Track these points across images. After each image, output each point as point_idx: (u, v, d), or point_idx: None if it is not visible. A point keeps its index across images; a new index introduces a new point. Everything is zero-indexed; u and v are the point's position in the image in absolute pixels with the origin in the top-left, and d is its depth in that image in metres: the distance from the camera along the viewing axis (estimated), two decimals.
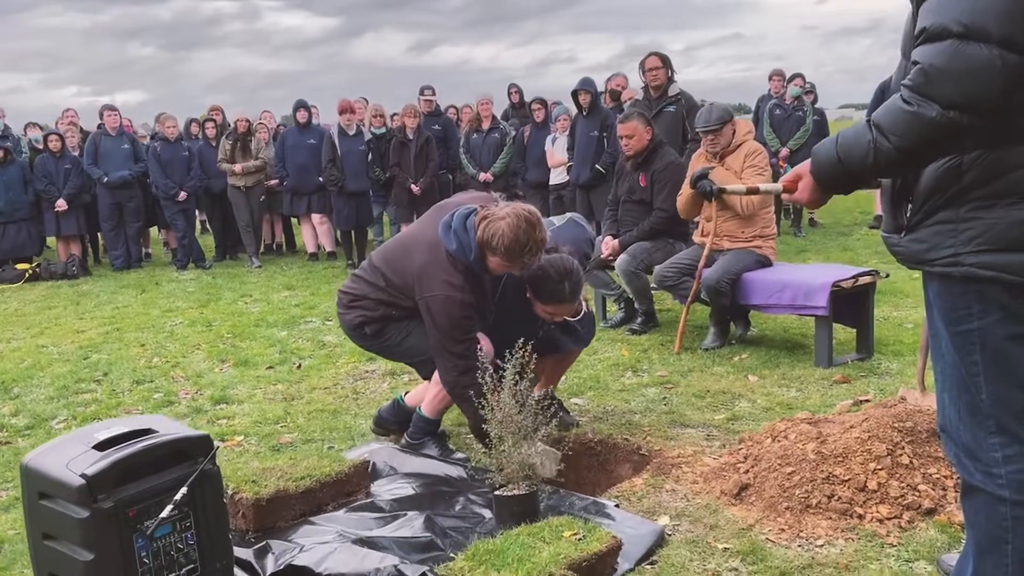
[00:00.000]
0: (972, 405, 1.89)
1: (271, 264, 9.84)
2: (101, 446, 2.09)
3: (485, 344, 3.32)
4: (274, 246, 10.91)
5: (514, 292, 3.53)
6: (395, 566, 2.29)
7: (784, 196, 2.04)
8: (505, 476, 2.76)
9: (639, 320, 5.65)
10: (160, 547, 2.12)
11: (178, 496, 2.10)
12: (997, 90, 1.60)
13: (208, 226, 11.80)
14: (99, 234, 10.64)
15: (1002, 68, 1.61)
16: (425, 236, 3.38)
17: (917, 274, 5.74)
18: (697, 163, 5.20)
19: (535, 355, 3.26)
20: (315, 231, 9.90)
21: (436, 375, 3.42)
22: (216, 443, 2.23)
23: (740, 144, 5.01)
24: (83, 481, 1.98)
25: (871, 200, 10.94)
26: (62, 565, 2.05)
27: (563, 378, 4.28)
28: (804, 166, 1.97)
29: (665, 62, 6.74)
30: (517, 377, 2.79)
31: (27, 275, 9.41)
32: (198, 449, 2.19)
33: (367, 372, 5.02)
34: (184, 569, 2.17)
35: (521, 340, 2.87)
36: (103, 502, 1.99)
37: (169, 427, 2.23)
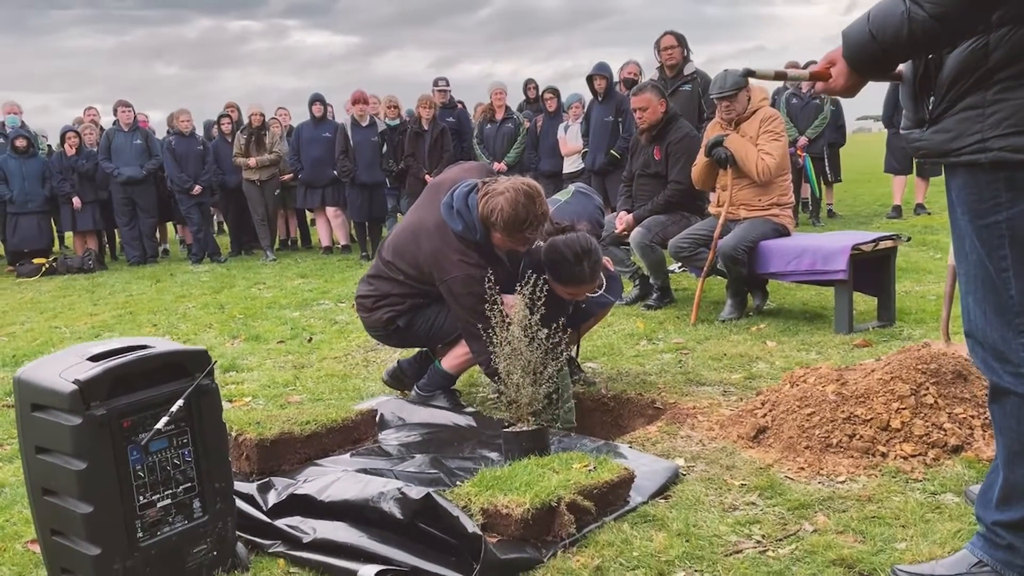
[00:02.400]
0: (1000, 304, 1.80)
1: (285, 257, 9.83)
2: (95, 358, 2.03)
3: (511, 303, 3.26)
4: (289, 242, 10.91)
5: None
6: (399, 488, 2.21)
7: (819, 87, 1.92)
8: (514, 414, 2.68)
9: (654, 296, 5.55)
10: (156, 462, 2.05)
11: (174, 408, 2.03)
12: None
13: (224, 227, 11.86)
14: (115, 230, 10.71)
15: None
16: (430, 220, 3.31)
17: (939, 253, 5.63)
18: (712, 132, 5.12)
19: (569, 329, 3.21)
20: (329, 224, 9.88)
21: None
22: (214, 361, 2.16)
23: (756, 110, 4.92)
24: (75, 387, 1.92)
25: (890, 193, 10.81)
26: (55, 478, 1.98)
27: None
28: (836, 51, 1.86)
29: (681, 41, 6.68)
30: (527, 311, 2.71)
31: (44, 269, 9.46)
32: (195, 364, 2.12)
33: (379, 345, 4.94)
34: (181, 487, 2.10)
35: (539, 278, 2.81)
36: (95, 409, 1.93)
37: (166, 344, 2.17)
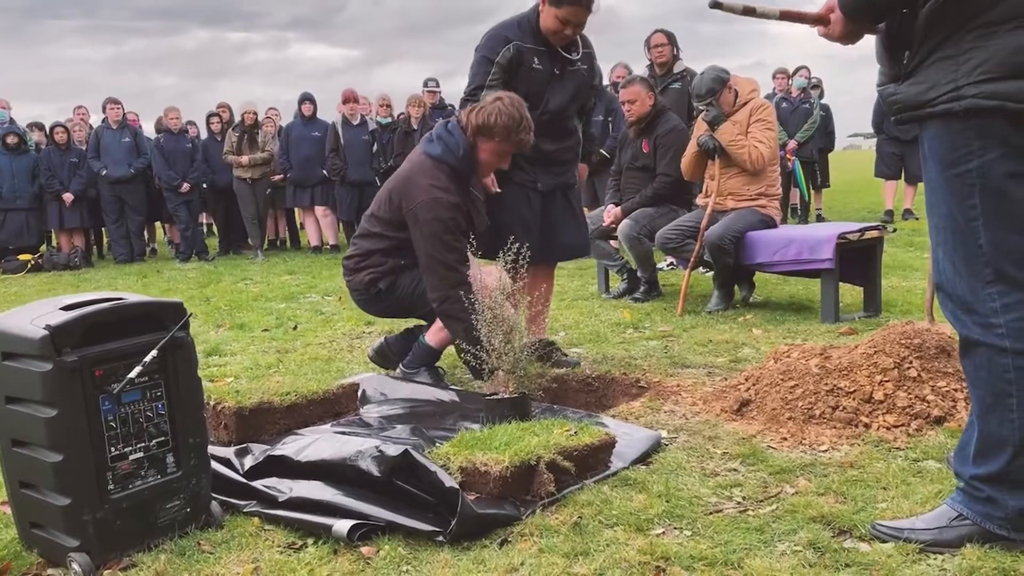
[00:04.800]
0: (969, 256, 1.80)
1: (274, 256, 9.79)
2: (69, 308, 2.00)
3: (488, 279, 3.26)
4: (278, 242, 10.88)
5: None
6: (376, 447, 2.19)
7: (820, 31, 1.91)
8: (496, 382, 2.66)
9: (642, 289, 5.54)
10: (129, 414, 2.02)
11: (148, 358, 2.00)
12: None
13: (213, 229, 11.81)
14: (103, 229, 10.67)
15: None
16: (408, 162, 3.40)
17: (926, 252, 5.59)
18: (703, 126, 5.12)
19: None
20: (318, 224, 9.85)
21: None
22: (190, 313, 2.13)
23: (746, 102, 4.93)
24: (47, 332, 1.89)
25: (879, 202, 10.87)
26: (25, 427, 1.95)
27: (560, 335, 4.17)
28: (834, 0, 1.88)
29: (671, 39, 6.70)
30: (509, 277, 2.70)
31: (29, 265, 9.40)
32: (170, 316, 2.09)
33: (365, 332, 4.92)
34: (154, 441, 2.07)
35: (512, 238, 2.80)
36: (67, 356, 1.90)
37: (141, 297, 2.15)
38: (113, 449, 2.00)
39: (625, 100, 5.46)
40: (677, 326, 4.59)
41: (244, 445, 2.54)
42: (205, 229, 12.37)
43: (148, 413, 2.06)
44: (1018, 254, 1.77)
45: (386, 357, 3.63)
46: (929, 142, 1.83)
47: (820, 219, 10.20)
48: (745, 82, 5.05)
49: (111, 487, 1.99)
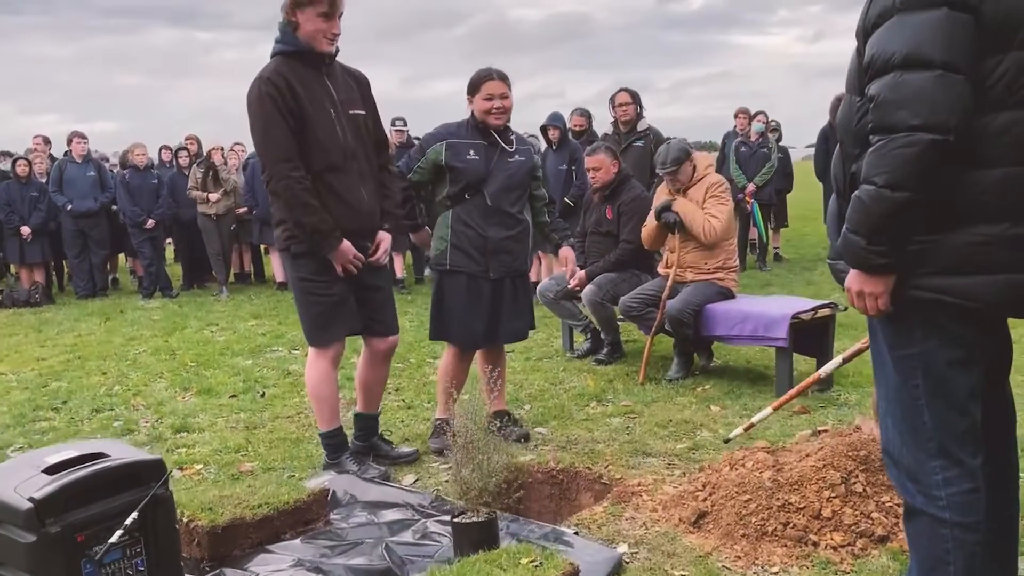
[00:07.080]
0: (915, 429, 1.94)
1: (239, 293, 9.77)
2: (51, 470, 2.07)
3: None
4: (243, 274, 10.84)
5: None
6: None
7: (857, 306, 1.96)
8: (465, 503, 2.76)
9: (605, 351, 5.69)
10: (109, 573, 2.09)
11: (128, 521, 2.07)
12: (949, 107, 1.68)
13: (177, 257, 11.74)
14: (64, 262, 10.55)
15: (947, 87, 1.68)
16: None
17: None
18: (662, 195, 5.28)
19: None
20: None
21: (306, 375, 3.67)
22: (170, 469, 2.21)
23: (702, 178, 5.10)
24: (31, 505, 1.96)
25: None
26: None
27: (525, 407, 4.28)
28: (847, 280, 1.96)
29: (635, 98, 6.88)
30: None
31: None
32: (150, 473, 2.17)
33: None
34: None
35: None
36: (51, 526, 1.97)
37: (122, 451, 2.22)
38: None
39: (590, 167, 5.60)
40: (639, 399, 4.72)
41: (218, 572, 2.61)
42: (172, 255, 12.28)
43: (128, 571, 2.13)
44: (959, 432, 1.92)
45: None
46: (878, 322, 1.98)
47: (778, 258, 10.47)
48: (702, 157, 5.23)
49: None
